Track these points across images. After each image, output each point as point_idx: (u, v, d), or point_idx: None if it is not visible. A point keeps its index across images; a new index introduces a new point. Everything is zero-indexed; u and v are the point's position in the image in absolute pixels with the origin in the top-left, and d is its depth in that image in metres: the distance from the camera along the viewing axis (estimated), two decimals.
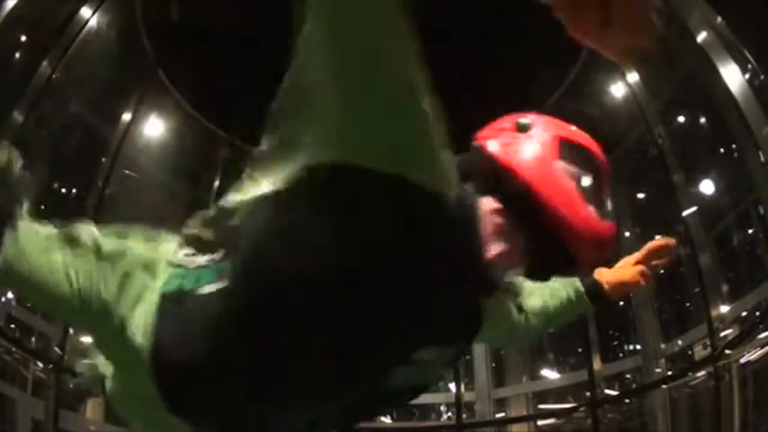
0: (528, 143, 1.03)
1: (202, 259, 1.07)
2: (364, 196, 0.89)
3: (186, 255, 1.11)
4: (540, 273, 1.12)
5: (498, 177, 1.02)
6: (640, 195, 8.35)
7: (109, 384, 1.36)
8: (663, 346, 7.71)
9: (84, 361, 1.66)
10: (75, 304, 1.10)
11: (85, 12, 6.85)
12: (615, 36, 0.69)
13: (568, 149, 1.04)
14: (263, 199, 0.99)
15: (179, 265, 1.09)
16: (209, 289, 1.01)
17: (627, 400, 8.35)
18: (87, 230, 1.24)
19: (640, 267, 1.42)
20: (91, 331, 1.25)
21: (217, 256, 1.06)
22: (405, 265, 0.92)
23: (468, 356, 9.51)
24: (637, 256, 1.44)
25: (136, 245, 1.17)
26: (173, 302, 1.05)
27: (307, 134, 0.92)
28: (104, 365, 1.40)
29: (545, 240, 1.01)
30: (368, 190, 0.89)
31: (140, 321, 1.06)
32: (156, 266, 1.12)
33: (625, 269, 1.44)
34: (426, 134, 0.89)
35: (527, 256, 1.05)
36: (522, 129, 1.07)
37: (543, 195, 0.98)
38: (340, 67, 0.84)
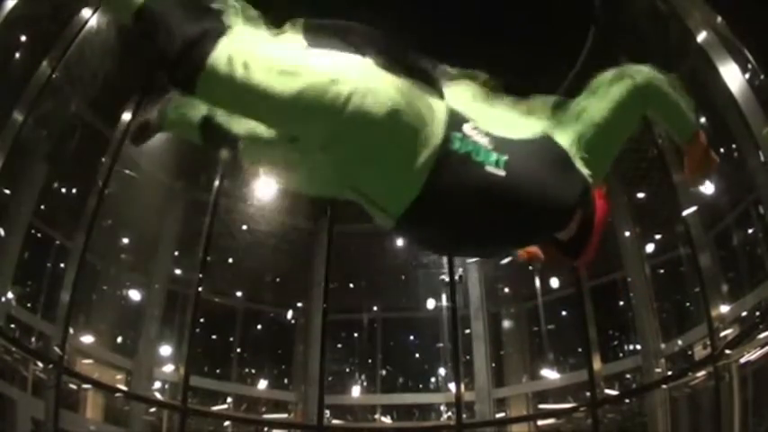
0: (606, 204, 1.85)
1: (482, 140, 1.57)
2: (577, 181, 1.64)
3: (473, 128, 1.58)
4: (563, 247, 1.83)
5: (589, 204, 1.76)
6: (640, 195, 8.34)
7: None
8: (663, 346, 7.71)
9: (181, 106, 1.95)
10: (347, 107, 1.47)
11: (85, 12, 6.85)
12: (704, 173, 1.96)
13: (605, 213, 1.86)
14: (534, 139, 1.64)
15: (465, 136, 1.56)
16: (492, 170, 1.53)
17: (627, 400, 8.35)
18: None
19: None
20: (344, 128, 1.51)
21: (489, 145, 1.56)
22: (567, 211, 1.66)
23: (468, 357, 9.56)
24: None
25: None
26: (458, 160, 1.53)
27: (573, 124, 1.69)
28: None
29: (583, 238, 1.79)
30: (578, 178, 1.64)
31: (420, 158, 1.51)
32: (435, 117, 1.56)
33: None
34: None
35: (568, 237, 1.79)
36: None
37: (600, 228, 1.79)
38: (618, 123, 1.74)
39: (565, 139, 1.66)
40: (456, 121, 1.57)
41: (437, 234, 1.66)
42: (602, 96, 1.70)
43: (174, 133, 2.05)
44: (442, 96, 1.61)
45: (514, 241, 1.75)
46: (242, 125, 1.79)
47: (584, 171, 1.64)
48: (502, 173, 1.53)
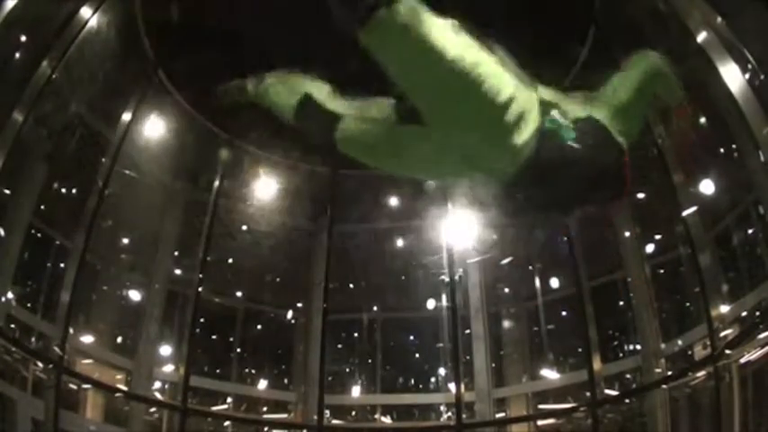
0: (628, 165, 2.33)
1: (563, 122, 2.06)
2: (612, 149, 2.20)
3: (557, 113, 2.08)
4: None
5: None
6: (640, 195, 8.34)
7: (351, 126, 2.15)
8: (663, 346, 7.71)
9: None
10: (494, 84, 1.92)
11: (85, 12, 6.85)
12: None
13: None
14: (589, 118, 2.16)
15: (554, 119, 2.07)
16: (571, 144, 2.04)
17: (627, 400, 8.35)
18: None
19: None
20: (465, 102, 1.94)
21: (567, 125, 2.07)
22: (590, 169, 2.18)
23: (468, 357, 9.56)
24: None
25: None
26: (548, 137, 2.01)
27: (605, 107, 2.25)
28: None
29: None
30: (616, 144, 2.20)
31: (523, 134, 1.97)
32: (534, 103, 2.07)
33: None
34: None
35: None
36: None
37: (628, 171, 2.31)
38: (639, 101, 2.36)
39: (605, 116, 2.20)
40: (546, 107, 2.08)
41: (534, 194, 2.16)
42: (628, 81, 2.30)
43: (264, 104, 2.33)
44: (536, 88, 2.11)
45: (584, 195, 2.28)
46: (346, 106, 2.17)
47: (619, 139, 2.19)
48: (577, 146, 2.06)
